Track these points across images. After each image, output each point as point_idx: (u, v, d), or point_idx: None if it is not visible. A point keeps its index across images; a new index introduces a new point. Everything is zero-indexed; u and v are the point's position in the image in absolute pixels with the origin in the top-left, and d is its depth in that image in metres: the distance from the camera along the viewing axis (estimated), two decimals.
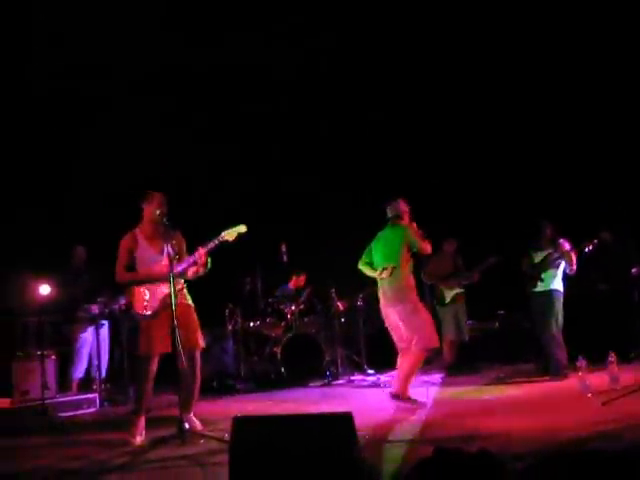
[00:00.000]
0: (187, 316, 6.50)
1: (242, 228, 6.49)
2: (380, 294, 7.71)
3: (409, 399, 7.41)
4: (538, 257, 9.10)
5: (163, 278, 6.37)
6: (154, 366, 6.49)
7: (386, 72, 12.15)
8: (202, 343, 6.68)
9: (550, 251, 8.98)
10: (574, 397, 7.19)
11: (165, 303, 6.38)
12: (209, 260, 6.46)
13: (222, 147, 12.24)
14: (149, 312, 6.48)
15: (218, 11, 11.05)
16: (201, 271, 6.56)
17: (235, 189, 12.34)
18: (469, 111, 12.23)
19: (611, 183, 10.53)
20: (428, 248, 7.65)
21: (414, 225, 7.70)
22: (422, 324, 7.40)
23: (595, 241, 8.64)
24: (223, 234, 6.43)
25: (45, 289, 8.85)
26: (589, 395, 7.10)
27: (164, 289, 6.42)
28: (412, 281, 7.61)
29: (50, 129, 11.22)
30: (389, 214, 7.88)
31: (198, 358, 6.62)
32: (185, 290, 6.70)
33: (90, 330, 9.51)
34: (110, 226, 7.14)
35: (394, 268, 7.47)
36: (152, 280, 6.50)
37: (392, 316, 7.57)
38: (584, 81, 11.24)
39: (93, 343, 9.51)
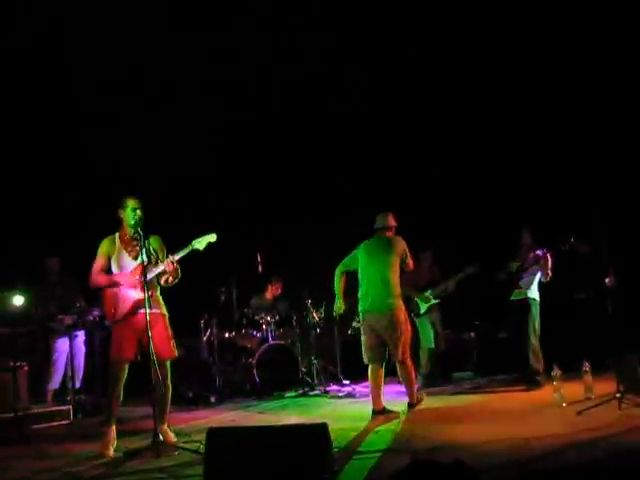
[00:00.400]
0: (158, 325, 6.46)
1: (212, 237, 6.51)
2: (368, 304, 7.74)
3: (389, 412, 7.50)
4: (514, 266, 9.14)
5: (132, 284, 6.42)
6: (123, 373, 6.45)
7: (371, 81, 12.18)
8: (174, 353, 6.64)
9: (526, 258, 9.03)
10: (549, 406, 7.21)
11: (134, 309, 6.41)
12: (178, 268, 6.46)
13: (199, 155, 12.19)
14: (118, 317, 6.47)
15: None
16: (170, 280, 6.56)
17: (211, 197, 12.29)
18: (446, 124, 12.26)
19: (589, 191, 10.58)
20: (411, 264, 7.93)
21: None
22: (407, 335, 7.65)
23: (571, 239, 8.64)
24: (193, 242, 6.46)
25: (18, 300, 8.76)
26: (564, 404, 7.13)
27: (134, 295, 6.43)
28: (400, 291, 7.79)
29: (22, 137, 11.14)
30: (378, 224, 7.96)
31: (168, 368, 6.57)
32: (159, 298, 6.66)
33: (65, 341, 9.43)
34: (84, 237, 7.09)
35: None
36: (122, 284, 6.49)
37: (378, 325, 7.63)
38: (566, 89, 11.31)
39: (66, 353, 9.43)
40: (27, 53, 10.54)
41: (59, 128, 11.35)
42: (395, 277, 7.70)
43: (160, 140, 11.78)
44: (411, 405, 7.76)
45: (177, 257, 6.41)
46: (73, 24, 10.47)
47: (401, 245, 7.83)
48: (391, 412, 7.47)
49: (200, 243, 6.45)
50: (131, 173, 11.07)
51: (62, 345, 9.46)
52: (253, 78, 11.86)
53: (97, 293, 6.84)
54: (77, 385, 9.25)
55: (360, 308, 7.83)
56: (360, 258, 7.90)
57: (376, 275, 7.71)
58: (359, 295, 7.89)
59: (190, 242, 6.45)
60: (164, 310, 6.67)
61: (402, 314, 7.64)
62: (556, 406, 7.15)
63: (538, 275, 8.98)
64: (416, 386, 8.10)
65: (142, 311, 6.29)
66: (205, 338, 10.31)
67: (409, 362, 7.68)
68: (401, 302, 7.71)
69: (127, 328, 6.44)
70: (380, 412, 7.47)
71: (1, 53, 10.15)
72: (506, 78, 11.54)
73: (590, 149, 11.09)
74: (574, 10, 10.61)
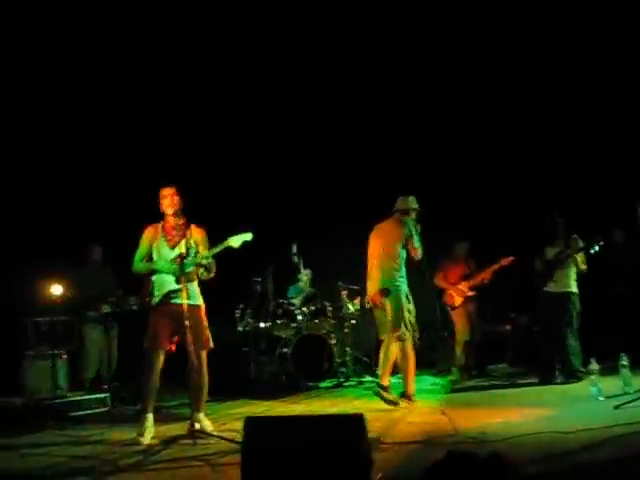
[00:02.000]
0: (195, 316, 6.50)
1: (248, 236, 6.54)
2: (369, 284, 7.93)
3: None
4: (550, 254, 9.03)
5: (170, 272, 6.49)
6: (159, 362, 6.52)
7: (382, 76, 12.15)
8: (210, 344, 6.69)
9: (561, 248, 8.93)
10: (586, 400, 7.15)
11: (170, 298, 6.48)
12: (212, 263, 6.53)
13: (233, 150, 12.27)
14: (154, 305, 6.56)
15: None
16: (205, 275, 6.61)
17: (246, 190, 12.34)
18: (477, 112, 12.18)
19: (627, 182, 10.46)
20: (414, 252, 7.79)
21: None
22: (403, 313, 7.60)
23: (601, 242, 8.57)
24: (228, 240, 6.49)
25: (57, 289, 8.88)
26: (601, 398, 7.06)
27: (170, 284, 6.50)
28: (403, 272, 7.77)
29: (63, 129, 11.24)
30: (397, 207, 7.97)
31: (205, 358, 6.62)
32: (196, 289, 6.70)
33: (100, 330, 9.53)
34: (125, 226, 7.15)
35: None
36: (160, 272, 6.56)
37: (385, 301, 7.73)
38: (591, 80, 11.20)
39: (102, 343, 9.53)
40: None
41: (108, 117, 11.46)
42: (390, 259, 7.72)
43: (201, 132, 11.87)
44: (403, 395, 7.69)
45: (211, 253, 6.49)
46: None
47: (401, 230, 7.80)
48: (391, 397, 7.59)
49: (236, 241, 6.47)
50: (174, 167, 11.12)
51: (96, 333, 9.56)
52: (276, 64, 11.87)
53: (138, 280, 6.90)
54: (112, 373, 9.36)
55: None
56: (370, 239, 8.00)
57: (374, 257, 7.87)
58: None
59: (226, 239, 6.49)
60: (201, 301, 6.72)
61: (398, 294, 7.64)
62: (593, 400, 7.09)
63: (574, 267, 8.88)
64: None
65: (178, 301, 6.36)
66: (241, 328, 10.35)
67: (405, 347, 7.60)
68: (396, 283, 7.67)
69: (163, 317, 6.51)
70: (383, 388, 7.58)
71: None
72: (541, 70, 11.48)
73: (630, 142, 10.97)
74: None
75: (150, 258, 6.70)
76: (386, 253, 7.78)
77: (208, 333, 6.69)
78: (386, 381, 7.63)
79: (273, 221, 11.86)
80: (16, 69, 10.40)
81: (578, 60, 11.28)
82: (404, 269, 7.76)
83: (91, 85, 10.92)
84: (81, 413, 8.21)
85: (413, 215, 7.95)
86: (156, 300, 6.55)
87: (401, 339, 7.56)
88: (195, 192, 6.99)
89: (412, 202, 8.00)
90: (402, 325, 7.54)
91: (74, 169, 11.27)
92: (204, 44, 11.16)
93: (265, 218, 11.85)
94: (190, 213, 6.72)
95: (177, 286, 6.41)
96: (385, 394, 7.53)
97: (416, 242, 7.76)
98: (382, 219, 8.17)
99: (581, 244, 8.80)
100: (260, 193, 12.41)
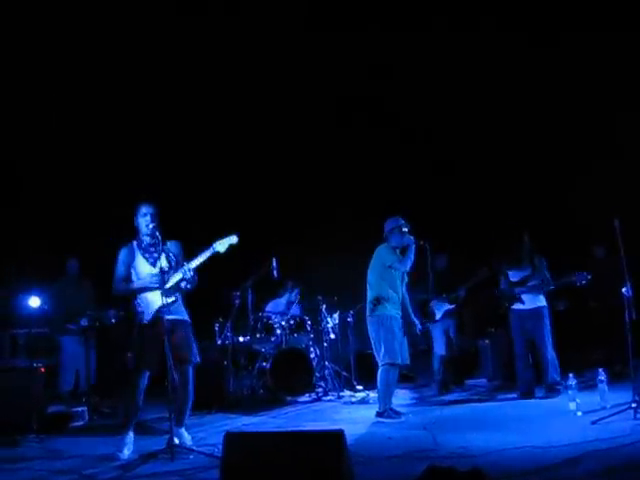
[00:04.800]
0: (181, 330, 6.47)
1: (233, 239, 6.49)
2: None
3: (394, 414, 7.63)
4: (515, 275, 9.09)
5: (155, 290, 6.41)
6: (144, 380, 6.47)
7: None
8: (196, 358, 6.66)
9: (527, 273, 8.98)
10: (564, 415, 7.19)
11: (157, 315, 6.40)
12: (195, 275, 6.50)
13: (213, 161, 12.27)
14: (144, 322, 6.48)
15: None
16: (188, 287, 6.58)
17: (226, 202, 12.34)
18: (452, 131, 12.33)
19: (603, 200, 10.55)
20: (401, 266, 7.89)
21: (404, 239, 7.90)
22: (392, 340, 7.64)
23: (588, 276, 8.65)
24: (214, 245, 6.44)
25: (34, 301, 8.83)
26: (579, 414, 7.10)
27: (156, 301, 6.41)
28: (393, 296, 7.83)
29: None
30: None
31: (190, 373, 6.59)
32: (181, 304, 6.66)
33: (78, 343, 9.47)
34: (102, 240, 7.12)
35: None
36: (145, 291, 6.50)
37: (370, 329, 7.88)
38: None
39: (80, 356, 9.47)
40: None
41: (80, 130, 11.44)
42: (382, 283, 7.84)
43: (178, 144, 11.87)
44: (378, 414, 7.73)
45: (197, 262, 6.42)
46: None
47: (379, 251, 7.97)
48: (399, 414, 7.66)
49: (222, 245, 6.43)
50: (149, 177, 11.12)
51: (74, 347, 9.50)
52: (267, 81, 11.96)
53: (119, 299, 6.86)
54: (90, 387, 9.30)
55: None
56: None
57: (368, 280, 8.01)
58: None
59: (211, 245, 6.44)
60: (187, 316, 6.68)
61: (379, 320, 7.74)
62: (571, 415, 7.13)
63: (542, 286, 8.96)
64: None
65: (167, 317, 6.32)
66: (220, 342, 10.31)
67: (384, 368, 7.68)
68: (382, 307, 7.77)
69: (151, 336, 6.41)
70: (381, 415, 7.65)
71: None
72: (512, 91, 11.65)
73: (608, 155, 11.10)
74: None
75: (129, 279, 6.62)
76: (374, 276, 7.94)
77: (195, 348, 6.67)
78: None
79: (253, 234, 11.84)
80: None
81: (542, 88, 11.45)
82: (389, 295, 7.83)
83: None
84: (59, 426, 8.14)
85: (393, 237, 7.99)
86: (145, 319, 6.49)
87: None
88: (174, 206, 7.00)
89: (387, 225, 8.07)
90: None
91: (50, 184, 11.24)
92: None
93: (245, 231, 11.83)
94: (168, 228, 6.67)
95: (163, 302, 6.34)
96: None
97: (395, 263, 7.84)
98: (361, 233, 8.28)
99: (544, 262, 8.89)
100: (240, 206, 12.39)
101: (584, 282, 8.66)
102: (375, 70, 12.07)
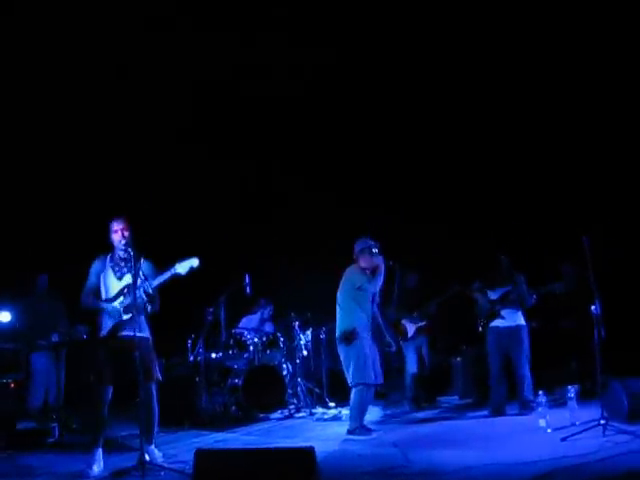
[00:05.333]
0: (143, 348, 6.45)
1: (194, 262, 6.45)
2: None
3: (365, 431, 7.65)
4: (495, 294, 9.15)
5: (116, 307, 6.45)
6: (106, 396, 6.46)
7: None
8: (157, 376, 6.66)
9: (508, 289, 9.05)
10: (534, 432, 7.24)
11: (118, 330, 6.43)
12: (155, 296, 6.53)
13: (186, 175, 12.28)
14: (102, 338, 6.51)
15: None
16: (149, 308, 6.57)
17: (198, 217, 12.34)
18: (432, 139, 12.42)
19: (574, 216, 10.66)
20: (370, 287, 7.90)
21: (374, 259, 7.90)
22: (365, 360, 7.65)
23: (561, 287, 8.75)
24: (176, 267, 6.42)
25: (5, 316, 8.77)
26: (549, 430, 7.16)
27: (118, 316, 6.45)
28: (363, 317, 7.84)
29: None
30: None
31: (153, 391, 6.58)
32: (143, 321, 6.64)
33: (48, 358, 9.39)
34: (72, 256, 7.10)
35: None
36: (107, 309, 6.51)
37: (339, 349, 7.93)
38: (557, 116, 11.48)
39: (49, 372, 9.39)
40: None
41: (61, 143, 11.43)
42: (354, 304, 7.87)
43: (149, 160, 11.87)
44: (349, 431, 7.76)
45: (156, 283, 6.44)
46: None
47: (348, 273, 8.03)
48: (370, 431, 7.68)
49: (183, 267, 6.39)
50: (120, 193, 11.10)
51: (43, 362, 9.42)
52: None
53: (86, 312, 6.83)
54: (60, 403, 9.22)
55: None
56: None
57: (338, 302, 8.05)
58: None
59: (172, 266, 6.42)
60: (148, 333, 6.67)
61: (350, 340, 7.77)
62: (541, 432, 7.18)
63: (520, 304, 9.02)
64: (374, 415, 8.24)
65: (126, 333, 6.32)
66: (192, 358, 10.27)
67: (361, 388, 7.71)
68: (357, 328, 7.79)
69: (111, 351, 6.44)
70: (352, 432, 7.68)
71: None
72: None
73: (579, 174, 11.23)
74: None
75: (98, 291, 6.62)
76: (344, 297, 8.03)
77: (156, 366, 6.66)
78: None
79: (226, 250, 11.87)
80: None
81: (524, 99, 11.57)
82: (359, 316, 7.87)
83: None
84: (28, 443, 8.06)
85: (362, 258, 8.03)
86: (104, 333, 6.49)
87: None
88: (146, 221, 6.98)
89: (357, 246, 8.12)
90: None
91: (22, 197, 11.20)
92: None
93: (218, 247, 11.85)
94: (139, 243, 6.65)
95: (125, 317, 6.35)
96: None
97: (364, 284, 7.88)
98: (334, 250, 8.33)
99: (522, 279, 8.96)
100: (213, 222, 12.39)
101: (562, 290, 8.73)
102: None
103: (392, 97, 12.13)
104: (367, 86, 12.10)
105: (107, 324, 6.49)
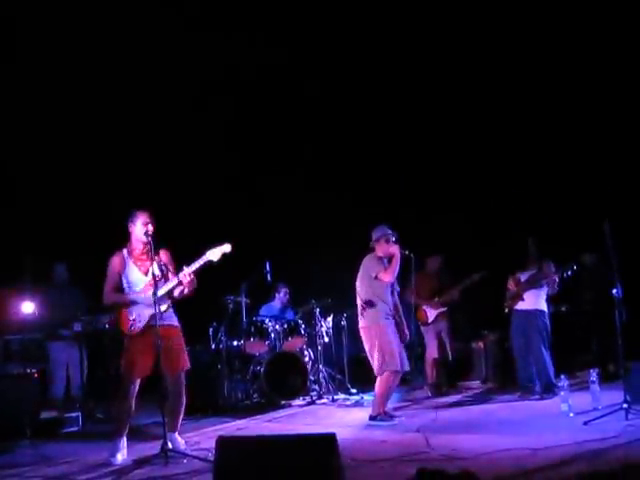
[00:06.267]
0: (172, 338, 6.49)
1: (227, 247, 6.44)
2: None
3: (388, 417, 7.63)
4: (524, 276, 9.15)
5: (148, 299, 6.39)
6: (135, 387, 6.50)
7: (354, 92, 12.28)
8: (187, 365, 6.69)
9: (534, 272, 9.04)
10: (556, 416, 7.23)
11: (150, 324, 6.40)
12: (194, 280, 6.47)
13: (208, 166, 12.30)
14: (135, 332, 6.48)
15: None
16: (187, 291, 6.53)
17: (220, 207, 12.35)
18: (454, 128, 12.35)
19: (597, 204, 10.59)
20: (385, 277, 7.81)
21: (390, 249, 7.85)
22: (390, 349, 7.60)
23: (574, 266, 8.74)
24: (207, 254, 6.42)
25: (28, 307, 8.83)
26: (571, 415, 7.14)
27: (148, 309, 6.41)
28: (384, 306, 7.80)
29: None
30: None
31: (183, 380, 6.62)
32: (172, 310, 6.68)
33: (70, 348, 9.45)
34: (92, 244, 7.12)
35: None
36: (137, 302, 6.50)
37: (366, 338, 7.85)
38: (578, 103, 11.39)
39: (71, 361, 9.45)
40: None
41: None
42: (366, 293, 7.86)
43: (168, 150, 11.89)
44: (371, 417, 7.73)
45: (193, 268, 6.41)
46: None
47: (366, 262, 7.98)
48: (393, 417, 7.68)
49: (215, 254, 6.40)
50: (140, 184, 11.13)
51: (62, 352, 9.48)
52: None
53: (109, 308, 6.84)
54: (83, 392, 9.29)
55: None
56: None
57: (357, 291, 8.02)
58: None
59: (204, 253, 6.43)
60: (177, 322, 6.70)
61: (377, 331, 7.72)
62: (563, 416, 7.17)
63: (545, 288, 9.00)
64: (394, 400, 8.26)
65: (159, 323, 6.33)
66: (213, 346, 10.31)
67: (387, 375, 7.64)
68: (373, 316, 7.77)
69: (142, 344, 6.44)
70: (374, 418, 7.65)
71: None
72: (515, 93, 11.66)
73: (599, 162, 11.14)
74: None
75: (120, 288, 6.62)
76: (362, 285, 7.98)
77: (185, 354, 6.69)
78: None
79: (247, 238, 11.88)
80: None
81: (544, 85, 11.48)
82: (378, 304, 7.83)
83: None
84: (53, 432, 8.13)
85: (380, 246, 7.99)
86: (138, 327, 6.49)
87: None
88: (167, 210, 6.99)
89: (375, 234, 8.06)
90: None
91: (41, 188, 11.26)
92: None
93: (238, 235, 11.86)
94: (161, 232, 6.66)
95: (156, 310, 6.32)
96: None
97: (380, 274, 7.83)
98: (354, 235, 8.32)
99: (553, 269, 8.93)
100: (233, 210, 12.41)
101: (575, 269, 8.73)
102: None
103: (412, 85, 12.08)
104: (388, 75, 12.07)
105: (138, 317, 6.49)
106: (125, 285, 6.59)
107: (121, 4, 10.55)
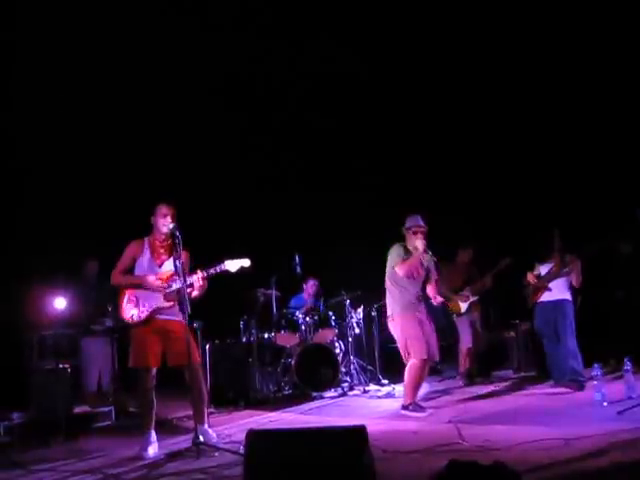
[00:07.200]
0: (177, 331, 6.48)
1: (246, 262, 6.54)
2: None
3: (419, 408, 7.58)
4: (544, 269, 9.04)
5: (157, 289, 6.47)
6: (150, 378, 6.53)
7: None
8: (198, 358, 6.73)
9: (557, 264, 8.93)
10: (590, 406, 7.16)
11: (157, 314, 6.48)
12: (205, 285, 6.52)
13: (236, 160, 12.33)
14: (136, 319, 6.53)
15: None
16: (195, 294, 6.55)
17: (252, 201, 12.40)
18: (478, 121, 12.30)
19: (627, 190, 10.47)
20: (400, 270, 7.73)
21: (415, 242, 7.77)
22: (414, 337, 7.56)
23: (601, 245, 8.65)
24: (226, 263, 6.48)
25: (61, 303, 8.90)
26: (605, 404, 7.06)
27: (158, 300, 6.48)
28: (406, 296, 7.74)
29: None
30: None
31: (199, 372, 6.65)
32: (177, 308, 6.62)
33: (102, 343, 9.52)
34: (122, 240, 7.15)
35: None
36: (144, 288, 6.52)
37: (392, 329, 7.84)
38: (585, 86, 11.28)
39: (102, 356, 9.52)
40: None
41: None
42: (392, 284, 7.83)
43: (196, 148, 11.95)
44: (403, 407, 7.71)
45: (206, 274, 6.46)
46: None
47: (391, 250, 7.91)
48: (424, 409, 7.63)
49: (233, 265, 6.48)
50: (169, 183, 11.18)
51: (93, 347, 9.56)
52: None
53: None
54: (115, 386, 9.36)
55: None
56: None
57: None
58: None
59: (223, 262, 6.47)
60: (182, 319, 6.68)
61: (399, 321, 7.72)
62: (597, 405, 7.09)
63: (568, 279, 8.90)
64: (424, 391, 8.38)
65: (163, 317, 6.41)
66: (244, 339, 10.34)
67: (414, 363, 7.60)
68: (400, 307, 7.74)
69: (150, 333, 6.50)
70: (406, 408, 7.63)
71: None
72: (534, 81, 11.60)
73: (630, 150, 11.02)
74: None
75: (132, 272, 6.65)
76: (389, 276, 7.93)
77: (195, 348, 6.69)
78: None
79: (276, 231, 11.92)
80: None
81: (571, 71, 11.36)
82: (400, 293, 7.81)
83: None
84: (86, 427, 8.20)
85: (408, 236, 7.92)
86: (142, 316, 6.52)
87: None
88: (196, 203, 7.00)
89: (407, 222, 7.96)
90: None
91: (71, 186, 11.34)
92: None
93: (268, 228, 11.91)
94: (191, 226, 6.68)
95: (162, 303, 6.42)
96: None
97: (397, 266, 7.75)
98: (384, 226, 8.28)
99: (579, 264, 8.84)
100: (263, 203, 12.44)
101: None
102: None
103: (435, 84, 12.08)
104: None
105: (145, 305, 6.52)
106: (137, 271, 6.63)
107: None
